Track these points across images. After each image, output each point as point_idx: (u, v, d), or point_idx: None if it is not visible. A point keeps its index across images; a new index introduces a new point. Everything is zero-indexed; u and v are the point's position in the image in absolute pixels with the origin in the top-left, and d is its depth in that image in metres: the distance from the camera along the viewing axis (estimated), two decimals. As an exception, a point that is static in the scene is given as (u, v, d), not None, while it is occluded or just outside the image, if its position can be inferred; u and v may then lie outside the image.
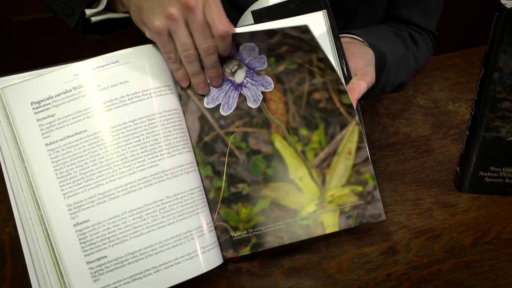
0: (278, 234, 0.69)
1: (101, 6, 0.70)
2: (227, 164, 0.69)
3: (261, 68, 0.66)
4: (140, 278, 0.63)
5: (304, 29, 0.59)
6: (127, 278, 0.63)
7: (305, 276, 0.70)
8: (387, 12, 0.94)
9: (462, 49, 1.24)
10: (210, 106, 0.68)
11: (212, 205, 0.69)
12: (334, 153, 0.68)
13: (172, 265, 0.64)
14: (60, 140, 0.63)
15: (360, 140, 0.67)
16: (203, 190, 0.68)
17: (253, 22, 0.70)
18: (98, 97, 0.63)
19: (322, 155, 0.68)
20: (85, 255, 0.63)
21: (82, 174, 0.62)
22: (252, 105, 0.68)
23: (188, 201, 0.66)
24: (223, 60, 0.67)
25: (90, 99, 0.63)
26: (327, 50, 0.70)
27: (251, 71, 0.66)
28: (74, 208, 0.63)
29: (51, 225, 0.63)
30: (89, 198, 0.62)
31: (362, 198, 0.68)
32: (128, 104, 0.64)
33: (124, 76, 0.64)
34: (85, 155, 0.63)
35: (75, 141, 0.63)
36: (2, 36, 1.67)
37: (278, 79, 0.66)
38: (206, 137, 0.69)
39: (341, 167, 0.68)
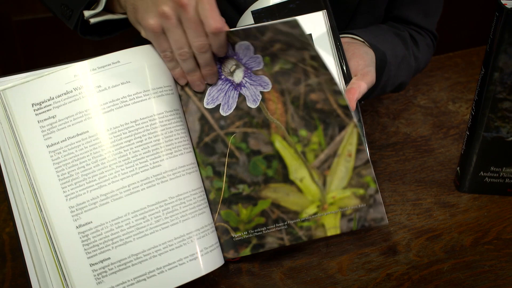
0: (278, 235, 0.69)
1: (100, 8, 0.70)
2: (227, 165, 0.69)
3: (257, 68, 0.66)
4: (144, 279, 0.62)
5: (294, 24, 0.58)
6: (131, 280, 0.62)
7: (305, 276, 0.70)
8: (387, 12, 0.94)
9: (463, 49, 1.24)
10: (210, 106, 0.68)
11: (212, 206, 0.69)
12: (334, 154, 0.67)
13: (176, 266, 0.63)
14: (61, 142, 0.62)
15: (359, 143, 0.66)
16: (204, 191, 0.69)
17: (253, 22, 0.71)
18: (99, 97, 0.63)
19: (322, 156, 0.67)
20: (88, 257, 0.62)
21: (84, 175, 0.62)
22: (252, 105, 0.67)
23: (191, 202, 0.66)
24: (221, 60, 0.67)
25: (91, 99, 0.63)
26: (327, 50, 0.70)
27: (249, 71, 0.66)
28: (77, 210, 0.62)
29: (53, 227, 0.62)
30: (91, 200, 0.62)
31: (363, 201, 0.67)
32: (129, 104, 0.64)
33: (125, 76, 0.64)
34: (87, 156, 0.62)
35: (76, 142, 0.62)
36: (2, 35, 1.67)
37: (275, 79, 0.66)
38: (206, 138, 0.69)
39: (342, 169, 0.67)
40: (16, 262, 0.72)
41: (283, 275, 0.71)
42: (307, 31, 0.70)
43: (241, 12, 0.77)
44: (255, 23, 0.70)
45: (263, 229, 0.69)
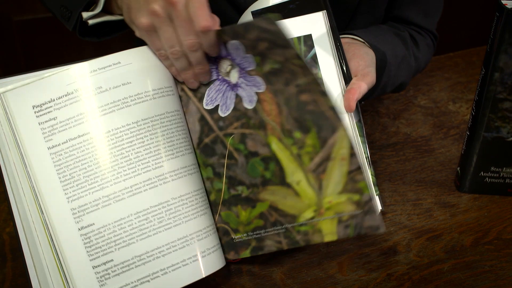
0: (277, 238, 0.68)
1: (98, 9, 0.70)
2: (226, 166, 0.68)
3: (250, 68, 0.65)
4: (148, 281, 0.62)
5: (270, 20, 0.56)
6: (135, 281, 0.62)
7: (306, 276, 0.71)
8: (387, 12, 0.94)
9: (463, 49, 1.24)
10: (209, 107, 0.68)
11: (213, 207, 0.69)
12: (328, 158, 0.64)
13: (180, 267, 0.63)
14: (62, 143, 0.62)
15: (351, 147, 0.62)
16: (205, 192, 0.69)
17: (253, 22, 0.70)
18: (100, 99, 0.63)
19: (317, 159, 0.65)
20: (90, 260, 0.62)
21: (86, 177, 0.62)
22: (248, 105, 0.67)
23: (193, 203, 0.66)
24: (217, 60, 0.66)
25: (92, 101, 0.63)
26: (327, 50, 0.70)
27: (244, 71, 0.66)
28: (79, 211, 0.62)
29: (54, 230, 0.62)
30: (93, 201, 0.62)
31: (359, 207, 0.64)
32: (131, 105, 0.64)
33: (126, 77, 0.64)
34: (88, 157, 0.62)
35: (77, 144, 0.62)
36: (3, 35, 1.67)
37: (267, 80, 0.65)
38: (206, 139, 0.69)
39: (337, 173, 0.64)
40: (17, 262, 0.72)
41: (283, 275, 0.71)
42: (307, 31, 0.70)
43: (241, 12, 0.77)
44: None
45: (262, 231, 0.69)
